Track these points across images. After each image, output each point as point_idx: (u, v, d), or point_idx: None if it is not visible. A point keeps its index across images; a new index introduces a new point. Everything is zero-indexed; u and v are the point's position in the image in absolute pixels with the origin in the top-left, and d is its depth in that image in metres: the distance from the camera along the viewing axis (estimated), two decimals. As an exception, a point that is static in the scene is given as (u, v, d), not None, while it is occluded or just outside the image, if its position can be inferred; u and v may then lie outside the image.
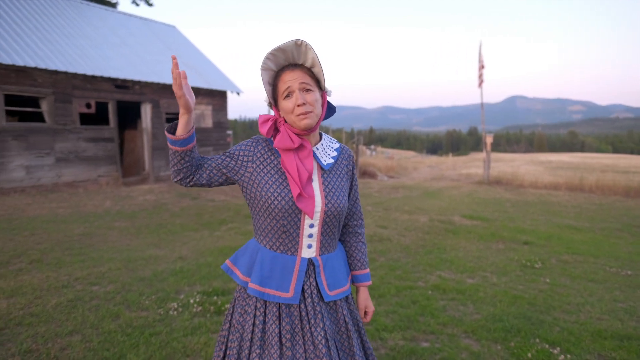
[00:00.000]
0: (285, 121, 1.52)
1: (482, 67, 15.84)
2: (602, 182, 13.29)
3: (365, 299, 1.74)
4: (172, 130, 1.46)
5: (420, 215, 8.45)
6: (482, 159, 15.94)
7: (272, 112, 1.60)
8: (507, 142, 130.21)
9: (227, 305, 3.59)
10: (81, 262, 4.80)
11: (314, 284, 1.55)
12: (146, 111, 13.05)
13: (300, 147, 1.52)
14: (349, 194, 1.67)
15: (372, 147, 45.70)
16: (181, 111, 1.41)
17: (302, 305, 1.53)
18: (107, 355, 2.78)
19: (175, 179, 1.50)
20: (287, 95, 1.48)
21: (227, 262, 1.66)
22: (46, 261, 4.82)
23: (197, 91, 14.59)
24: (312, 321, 1.51)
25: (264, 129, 1.52)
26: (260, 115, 1.54)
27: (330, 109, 1.60)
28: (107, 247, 5.54)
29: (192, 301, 3.66)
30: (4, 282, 4.08)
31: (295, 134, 1.51)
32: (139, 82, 12.59)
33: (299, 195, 1.47)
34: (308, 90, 1.48)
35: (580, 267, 5.18)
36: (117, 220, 7.28)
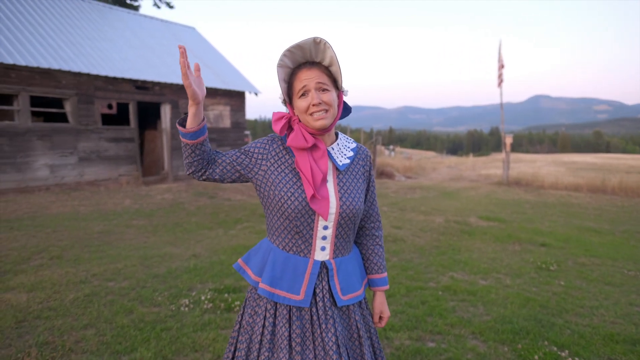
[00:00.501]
0: (300, 120, 1.49)
1: (502, 66, 15.60)
2: (625, 184, 12.95)
3: (381, 304, 1.68)
4: (183, 123, 1.45)
5: (436, 216, 8.39)
6: (502, 159, 15.71)
7: (287, 110, 1.57)
8: (530, 142, 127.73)
9: (238, 303, 3.65)
10: (99, 259, 4.94)
11: (327, 287, 1.51)
12: (165, 112, 13.30)
13: (314, 147, 1.48)
14: (366, 196, 1.63)
15: (391, 147, 45.44)
16: (189, 102, 1.40)
17: (314, 309, 1.49)
18: (119, 348, 2.87)
19: (188, 172, 1.49)
20: (303, 94, 1.44)
21: (240, 261, 1.63)
22: (66, 257, 4.98)
23: (215, 92, 14.79)
24: (324, 326, 1.47)
25: (277, 127, 1.48)
26: (274, 113, 1.51)
27: (346, 109, 1.57)
28: (125, 244, 5.68)
29: (203, 298, 3.74)
30: (25, 277, 4.23)
31: (309, 133, 1.47)
32: (158, 83, 12.85)
33: (313, 196, 1.44)
34: (324, 90, 1.44)
35: (598, 270, 5.08)
36: (135, 218, 7.45)
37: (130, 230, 6.57)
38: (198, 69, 1.40)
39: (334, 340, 1.45)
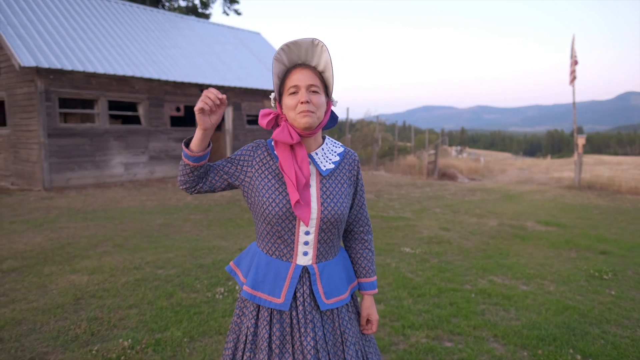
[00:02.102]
0: (287, 119, 1.50)
1: (575, 62, 14.60)
2: None
3: (368, 307, 1.66)
4: (188, 143, 1.45)
5: (490, 219, 8.11)
6: (574, 161, 14.69)
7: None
8: (619, 143, 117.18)
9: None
10: (155, 249, 5.41)
11: (308, 292, 1.52)
12: (228, 114, 14.03)
13: (296, 150, 1.49)
14: (354, 200, 1.64)
15: (459, 148, 43.96)
16: (198, 126, 1.41)
17: (294, 313, 1.51)
18: (154, 327, 3.19)
19: (180, 187, 1.53)
20: (293, 92, 1.45)
21: (231, 263, 1.67)
22: (127, 246, 5.51)
23: (277, 94, 15.34)
24: (303, 329, 1.49)
25: (264, 121, 1.49)
26: (261, 110, 1.53)
27: (332, 119, 1.58)
28: (180, 236, 6.15)
29: (238, 288, 4.00)
30: (89, 262, 4.77)
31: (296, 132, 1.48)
32: (222, 87, 13.59)
33: (297, 202, 1.43)
34: (315, 92, 1.45)
35: (659, 281, 4.68)
36: (193, 213, 7.99)
37: (187, 223, 7.06)
38: (225, 102, 1.40)
39: (312, 345, 1.47)
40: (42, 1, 11.74)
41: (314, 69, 1.48)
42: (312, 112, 1.44)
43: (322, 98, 1.47)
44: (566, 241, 6.40)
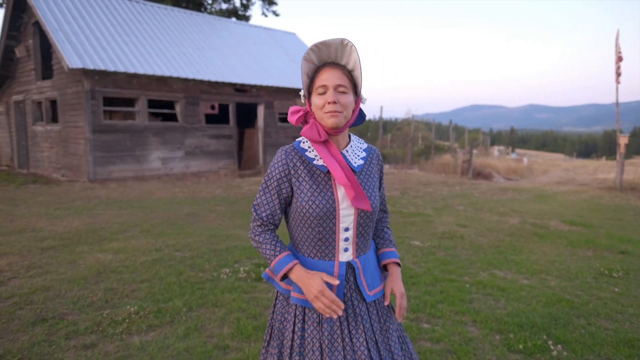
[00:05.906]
0: (315, 117, 1.53)
1: (619, 59, 13.97)
2: None
3: (392, 281, 1.64)
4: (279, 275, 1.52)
5: (512, 217, 8.03)
6: (617, 162, 14.04)
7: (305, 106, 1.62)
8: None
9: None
10: (177, 234, 5.84)
11: (352, 287, 1.56)
12: (260, 112, 14.52)
13: (329, 148, 1.54)
14: (378, 190, 1.69)
15: (502, 147, 42.69)
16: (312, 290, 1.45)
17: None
18: (159, 298, 3.55)
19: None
20: (321, 93, 1.48)
21: (267, 270, 1.68)
22: (152, 231, 5.97)
23: (309, 92, 15.66)
24: (353, 324, 1.52)
25: (293, 118, 1.53)
26: (291, 107, 1.58)
27: (360, 117, 1.61)
28: (203, 225, 6.56)
29: (242, 269, 4.31)
30: (117, 244, 5.25)
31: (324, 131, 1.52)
32: (255, 86, 14.09)
33: (354, 196, 1.49)
34: (343, 92, 1.47)
35: (671, 281, 4.58)
36: (219, 204, 8.44)
37: (212, 214, 7.50)
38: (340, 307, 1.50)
39: (363, 337, 1.50)
40: (90, 7, 12.66)
41: (343, 68, 1.50)
42: (339, 112, 1.47)
43: (349, 97, 1.49)
44: (586, 240, 6.29)
